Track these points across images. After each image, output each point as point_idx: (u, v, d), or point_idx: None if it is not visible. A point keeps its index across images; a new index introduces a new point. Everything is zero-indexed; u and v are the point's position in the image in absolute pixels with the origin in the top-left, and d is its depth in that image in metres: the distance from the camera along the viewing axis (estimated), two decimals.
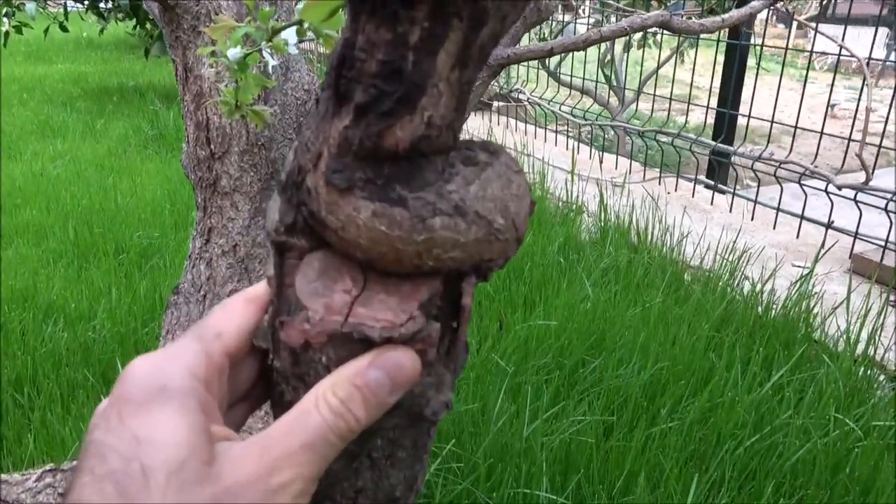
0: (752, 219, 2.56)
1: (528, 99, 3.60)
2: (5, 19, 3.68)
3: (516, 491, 0.92)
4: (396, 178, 0.26)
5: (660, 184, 2.91)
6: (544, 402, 1.21)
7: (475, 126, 3.69)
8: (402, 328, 0.26)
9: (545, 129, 3.67)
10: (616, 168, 3.14)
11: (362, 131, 0.25)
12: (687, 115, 3.40)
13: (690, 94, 3.06)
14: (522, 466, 0.96)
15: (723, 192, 2.80)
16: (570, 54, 3.78)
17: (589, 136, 3.76)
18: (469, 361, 1.33)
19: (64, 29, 4.03)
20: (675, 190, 2.89)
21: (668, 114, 3.53)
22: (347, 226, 0.26)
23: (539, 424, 1.12)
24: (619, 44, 3.99)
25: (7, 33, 3.66)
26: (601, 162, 3.21)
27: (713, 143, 2.83)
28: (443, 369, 0.29)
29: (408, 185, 0.26)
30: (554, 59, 3.90)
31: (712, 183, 2.84)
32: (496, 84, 4.09)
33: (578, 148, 3.41)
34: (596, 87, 4.10)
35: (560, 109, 3.47)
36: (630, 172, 3.01)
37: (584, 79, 3.95)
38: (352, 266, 0.28)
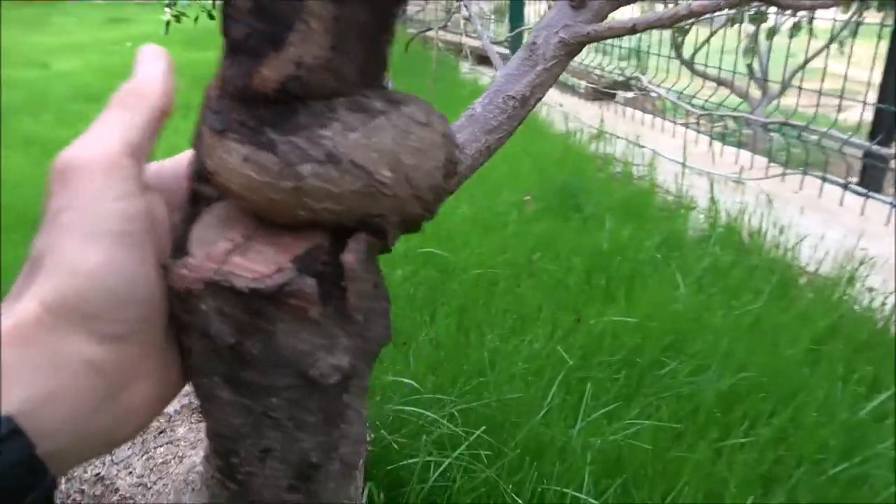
0: (887, 223, 2.27)
1: (647, 88, 3.42)
2: (167, 10, 4.05)
3: (545, 488, 0.87)
4: (269, 122, 0.25)
5: (782, 181, 2.65)
6: (603, 401, 1.15)
7: (591, 114, 3.56)
8: (268, 280, 0.25)
9: (672, 121, 3.46)
10: (736, 163, 2.90)
11: (234, 71, 0.25)
12: (839, 110, 3.05)
13: (844, 87, 2.74)
14: (558, 464, 0.91)
15: (861, 194, 2.50)
16: (707, 43, 3.54)
17: (718, 129, 3.50)
18: (533, 352, 1.28)
19: (211, 17, 4.39)
20: (801, 189, 2.63)
21: (817, 109, 3.20)
22: (221, 170, 0.25)
23: (590, 423, 1.06)
24: (763, 31, 3.68)
25: (168, 22, 4.03)
26: (720, 155, 2.99)
27: (868, 143, 2.53)
28: (337, 331, 0.28)
29: (279, 129, 0.25)
30: (688, 48, 3.65)
31: (863, 190, 2.53)
32: (618, 72, 3.92)
33: (697, 140, 3.19)
34: (733, 77, 3.81)
35: (691, 102, 3.26)
36: (751, 168, 2.78)
37: (719, 68, 3.68)
38: (248, 217, 0.27)
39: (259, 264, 0.26)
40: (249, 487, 0.30)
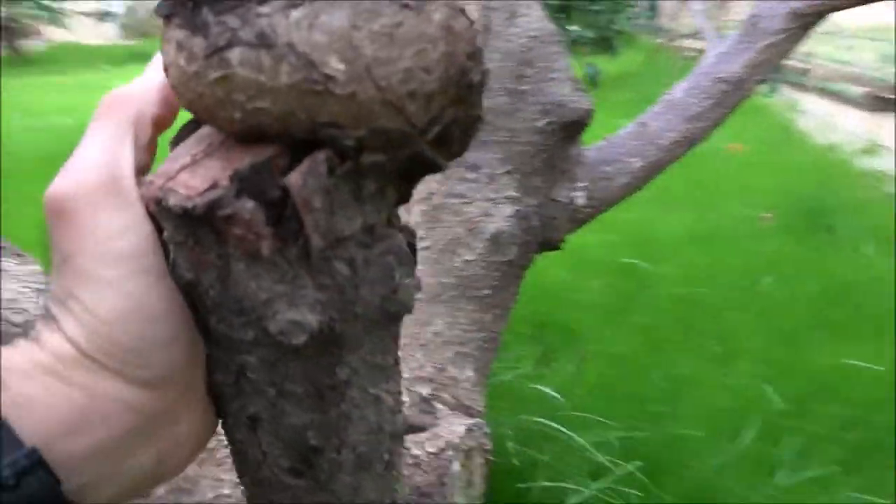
0: None
1: None
2: None
3: None
4: (208, 0, 0.21)
5: None
6: (816, 461, 0.92)
7: (864, 125, 3.00)
8: (197, 198, 0.21)
9: None
10: None
11: None
12: None
13: None
14: None
15: None
16: None
17: None
18: (732, 387, 1.08)
19: None
20: None
21: None
22: (167, 64, 0.22)
23: (791, 486, 0.85)
24: None
25: None
26: None
27: None
28: (304, 280, 0.23)
29: (216, 6, 0.20)
30: None
31: None
32: None
33: None
34: None
35: None
36: None
37: None
38: (220, 133, 0.24)
39: (197, 180, 0.22)
40: (247, 462, 0.28)
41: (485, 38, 0.83)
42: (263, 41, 0.20)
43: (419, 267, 0.80)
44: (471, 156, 0.84)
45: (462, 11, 0.22)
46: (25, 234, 0.69)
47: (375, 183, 0.23)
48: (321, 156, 0.22)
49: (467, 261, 0.82)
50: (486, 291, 0.83)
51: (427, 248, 0.82)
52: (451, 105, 0.21)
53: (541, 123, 0.84)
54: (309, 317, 0.24)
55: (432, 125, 0.21)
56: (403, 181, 0.26)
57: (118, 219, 0.24)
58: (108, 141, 0.25)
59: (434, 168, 0.25)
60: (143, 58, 7.70)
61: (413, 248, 0.26)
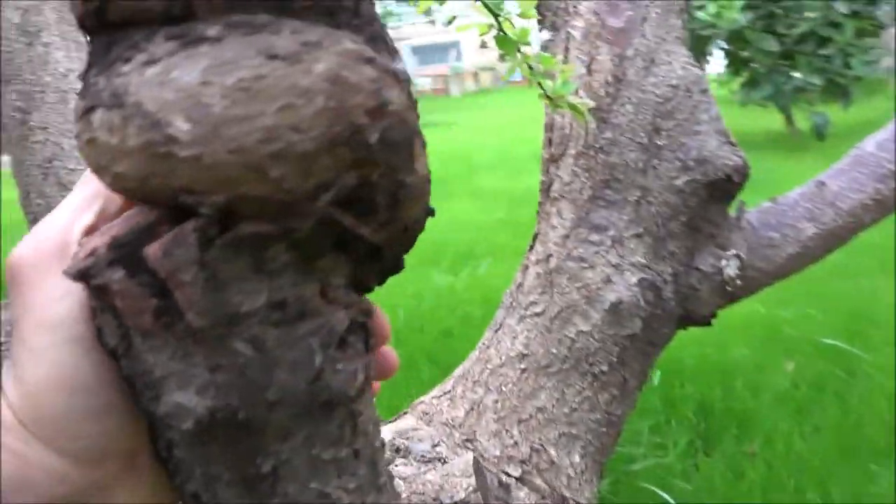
0: None
1: None
2: None
3: None
4: (93, 57, 0.21)
5: None
6: None
7: None
8: (79, 264, 0.22)
9: None
10: None
11: None
12: None
13: None
14: None
15: None
16: None
17: None
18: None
19: None
20: None
21: None
22: None
23: None
24: None
25: None
26: None
27: None
28: (195, 356, 0.22)
29: (97, 65, 0.20)
30: None
31: None
32: None
33: None
34: None
35: None
36: None
37: None
38: None
39: (92, 244, 0.22)
40: None
41: (615, 89, 0.76)
42: (116, 101, 0.18)
43: (527, 333, 0.74)
44: (596, 215, 0.76)
45: (370, 61, 0.18)
46: None
47: (288, 254, 0.20)
48: (189, 225, 0.20)
49: (582, 331, 0.74)
50: (602, 367, 0.74)
51: (538, 314, 0.76)
52: (348, 168, 0.18)
53: (680, 182, 0.75)
54: (195, 400, 0.22)
55: (321, 191, 0.19)
56: (346, 253, 0.23)
57: (60, 285, 0.23)
58: (74, 207, 0.25)
59: (364, 240, 0.22)
60: None
61: (364, 327, 0.24)
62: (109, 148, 0.19)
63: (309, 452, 0.25)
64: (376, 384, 0.32)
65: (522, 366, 0.74)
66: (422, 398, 0.77)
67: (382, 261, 0.25)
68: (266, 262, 0.21)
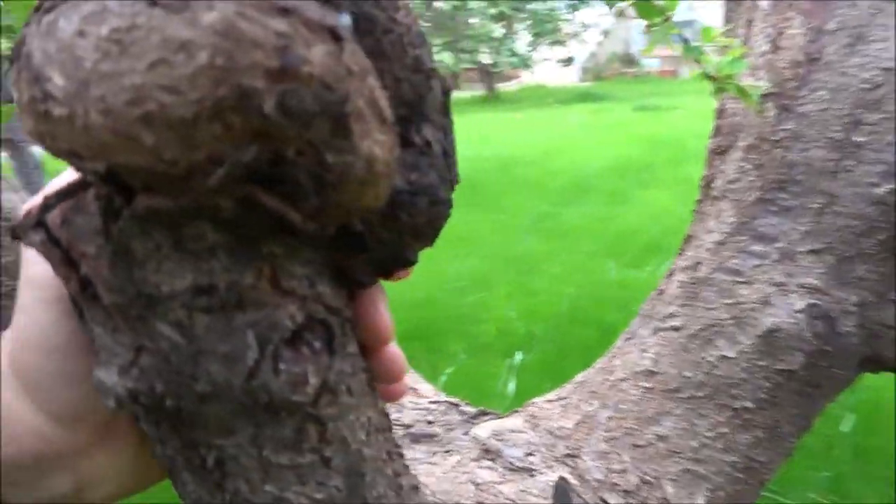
0: None
1: None
2: None
3: None
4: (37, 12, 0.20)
5: None
6: None
7: None
8: (14, 222, 0.22)
9: None
10: None
11: None
12: None
13: None
14: None
15: None
16: None
17: None
18: None
19: None
20: None
21: None
22: None
23: None
24: None
25: None
26: None
27: None
28: (123, 333, 0.21)
29: (34, 19, 0.20)
30: None
31: None
32: None
33: None
34: None
35: None
36: None
37: None
38: None
39: (31, 203, 0.22)
40: None
41: (806, 70, 0.62)
42: (17, 53, 0.17)
43: (659, 348, 0.66)
44: (763, 222, 0.64)
45: (284, 12, 0.15)
46: None
47: (218, 235, 0.18)
48: (90, 194, 0.19)
49: (725, 357, 0.63)
50: (746, 403, 0.62)
51: (676, 328, 0.66)
52: (246, 140, 0.16)
53: (881, 190, 0.60)
54: (115, 379, 0.21)
55: (213, 165, 0.16)
56: (309, 240, 0.21)
57: None
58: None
59: (294, 226, 0.19)
60: (590, 97, 8.35)
61: (326, 325, 0.22)
62: (12, 108, 0.18)
63: (258, 453, 0.22)
64: (394, 388, 0.29)
65: (648, 384, 0.65)
66: (535, 399, 0.71)
67: (369, 251, 0.22)
68: (188, 242, 0.18)
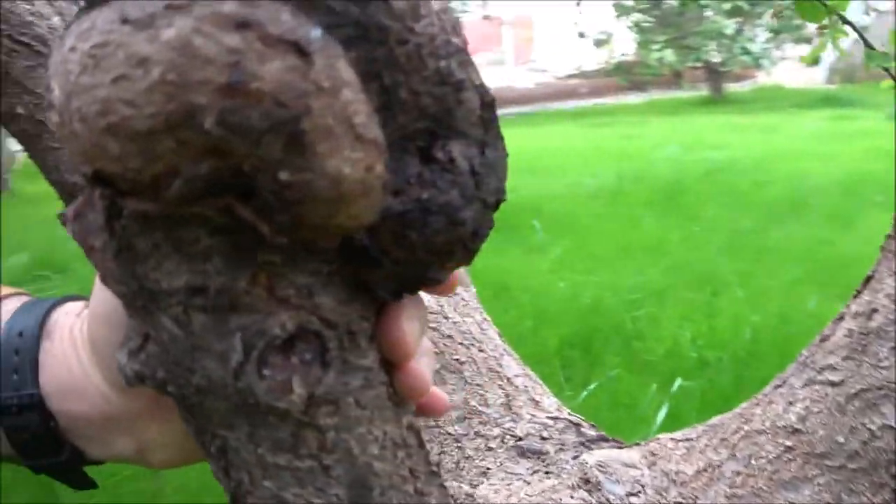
0: None
1: None
2: None
3: None
4: None
5: None
6: None
7: None
8: (65, 209, 0.25)
9: None
10: None
11: None
12: None
13: None
14: None
15: None
16: None
17: None
18: None
19: None
20: None
21: None
22: None
23: None
24: None
25: None
26: None
27: None
28: (134, 320, 0.24)
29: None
30: None
31: None
32: None
33: None
34: None
35: None
36: None
37: None
38: None
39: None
40: None
41: None
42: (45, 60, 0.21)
43: (809, 403, 0.62)
44: None
45: (243, 26, 0.16)
46: None
47: (212, 239, 0.20)
48: (97, 192, 0.21)
49: (889, 426, 0.51)
50: None
51: (834, 383, 0.56)
52: (200, 155, 0.16)
53: None
54: (125, 360, 0.24)
55: (170, 177, 0.17)
56: (313, 253, 0.22)
57: None
58: None
59: (264, 238, 0.20)
60: (834, 102, 7.40)
61: (320, 337, 0.22)
62: None
63: (255, 450, 0.23)
64: (431, 403, 0.29)
65: (789, 442, 0.56)
66: (660, 435, 0.65)
67: (383, 267, 0.22)
68: (185, 244, 0.20)
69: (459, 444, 0.74)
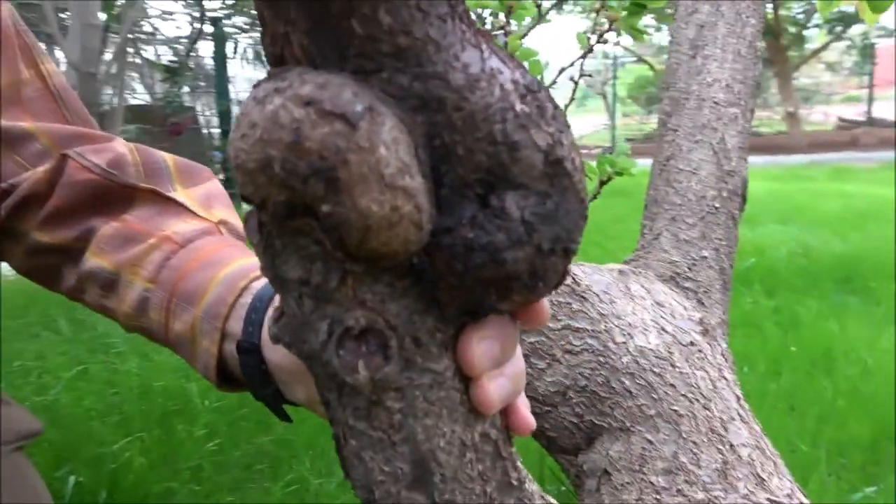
0: None
1: None
2: None
3: None
4: None
5: None
6: None
7: None
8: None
9: None
10: None
11: None
12: None
13: None
14: None
15: None
16: None
17: None
18: None
19: None
20: None
21: None
22: None
23: None
24: None
25: None
26: None
27: None
28: (281, 300, 0.29)
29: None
30: None
31: None
32: None
33: None
34: None
35: None
36: None
37: None
38: None
39: None
40: None
41: None
42: None
43: None
44: None
45: (308, 103, 0.22)
46: None
47: (316, 247, 0.25)
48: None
49: None
50: None
51: None
52: (275, 189, 0.22)
53: None
54: (271, 324, 0.30)
55: (265, 202, 0.24)
56: (389, 269, 0.26)
57: None
58: None
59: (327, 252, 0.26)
60: None
61: (381, 335, 0.26)
62: None
63: (343, 412, 0.28)
64: (518, 422, 0.32)
65: None
66: None
67: (440, 290, 0.26)
68: (300, 248, 0.25)
69: (658, 497, 0.72)
